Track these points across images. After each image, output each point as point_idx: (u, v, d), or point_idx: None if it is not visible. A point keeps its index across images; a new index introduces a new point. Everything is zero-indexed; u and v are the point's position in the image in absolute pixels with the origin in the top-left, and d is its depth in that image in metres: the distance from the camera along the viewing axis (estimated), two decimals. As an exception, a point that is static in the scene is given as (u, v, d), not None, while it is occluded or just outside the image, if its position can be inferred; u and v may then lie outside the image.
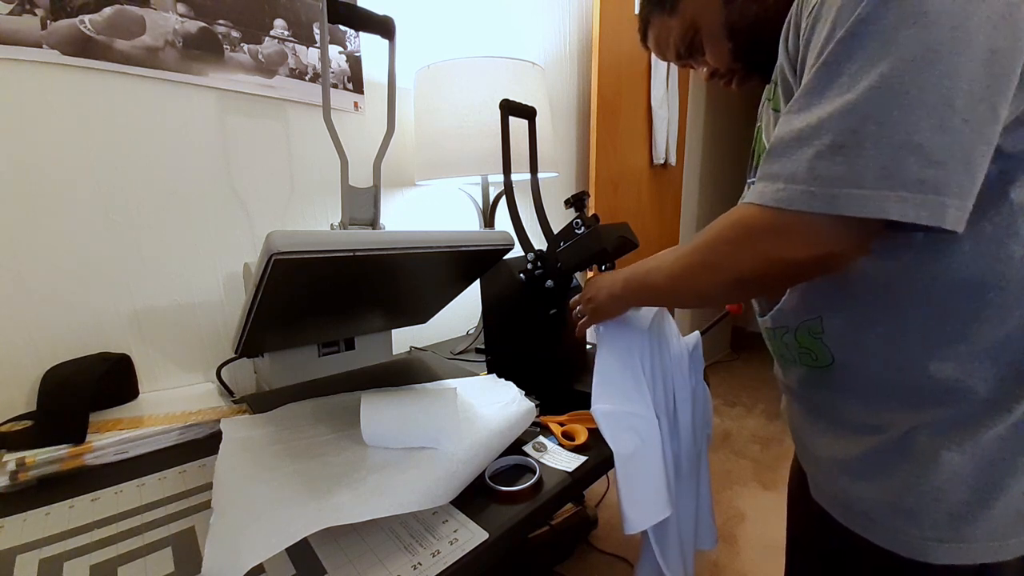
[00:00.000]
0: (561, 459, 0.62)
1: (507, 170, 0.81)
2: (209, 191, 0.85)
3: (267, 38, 0.88)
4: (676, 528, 0.67)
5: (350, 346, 0.89)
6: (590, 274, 1.57)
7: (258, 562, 0.38)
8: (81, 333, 0.75)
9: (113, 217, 0.76)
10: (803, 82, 0.38)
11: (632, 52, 1.62)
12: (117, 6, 0.72)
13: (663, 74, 1.77)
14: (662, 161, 1.86)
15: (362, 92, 1.02)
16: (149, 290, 0.80)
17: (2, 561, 0.44)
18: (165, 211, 0.80)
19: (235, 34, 0.84)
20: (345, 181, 0.70)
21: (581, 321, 0.70)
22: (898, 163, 0.33)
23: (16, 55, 0.66)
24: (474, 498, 0.53)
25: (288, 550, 0.44)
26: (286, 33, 0.90)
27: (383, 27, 0.74)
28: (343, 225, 0.71)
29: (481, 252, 0.69)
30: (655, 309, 0.69)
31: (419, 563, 0.44)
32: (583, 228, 0.69)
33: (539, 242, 0.77)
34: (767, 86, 0.53)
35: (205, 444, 0.66)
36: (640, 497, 0.60)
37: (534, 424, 0.69)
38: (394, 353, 0.97)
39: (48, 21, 0.67)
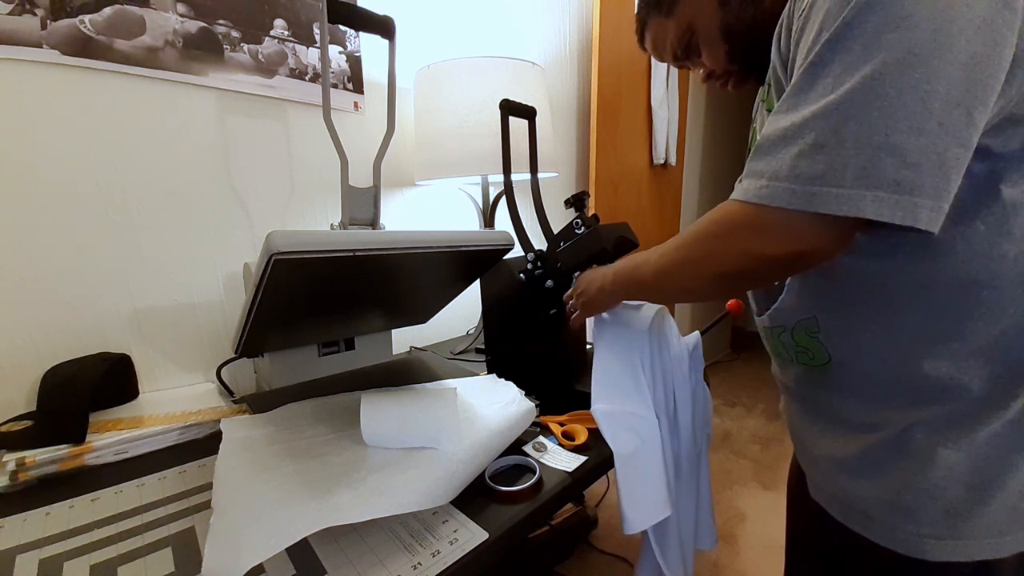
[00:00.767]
0: (561, 459, 0.62)
1: (507, 170, 0.81)
2: (209, 191, 0.85)
3: (267, 38, 0.88)
4: (676, 528, 0.67)
5: (350, 346, 0.89)
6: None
7: (258, 562, 0.38)
8: (81, 333, 0.75)
9: (113, 217, 0.76)
10: (791, 82, 0.39)
11: (632, 52, 1.61)
12: (117, 6, 0.72)
13: (663, 74, 1.77)
14: (662, 161, 1.86)
15: (362, 92, 1.02)
16: (149, 290, 0.80)
17: (2, 561, 0.44)
18: (165, 211, 0.80)
19: (235, 34, 0.84)
20: (345, 181, 0.70)
21: (574, 315, 0.71)
22: (875, 163, 0.34)
23: (16, 55, 0.66)
24: (474, 498, 0.53)
25: (288, 550, 0.44)
26: (286, 33, 0.90)
27: (383, 27, 0.74)
28: (343, 225, 0.71)
29: (481, 252, 0.69)
30: (655, 309, 0.69)
31: (419, 563, 0.44)
32: (583, 228, 0.69)
33: (539, 242, 0.77)
34: (762, 87, 0.54)
35: (205, 444, 0.66)
36: (640, 497, 0.60)
37: (534, 424, 0.69)
38: (394, 353, 0.97)
39: (48, 21, 0.67)
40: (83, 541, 0.47)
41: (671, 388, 0.70)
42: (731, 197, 0.43)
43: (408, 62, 1.06)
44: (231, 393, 0.84)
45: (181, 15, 0.78)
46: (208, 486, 0.55)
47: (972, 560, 0.42)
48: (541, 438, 0.67)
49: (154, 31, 0.76)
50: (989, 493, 0.41)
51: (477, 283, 0.87)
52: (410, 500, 0.47)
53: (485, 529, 0.48)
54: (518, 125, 0.83)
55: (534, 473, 0.57)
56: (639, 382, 0.65)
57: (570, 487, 0.58)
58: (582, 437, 0.66)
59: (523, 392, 0.71)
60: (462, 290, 0.87)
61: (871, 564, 0.48)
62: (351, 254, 0.52)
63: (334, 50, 0.97)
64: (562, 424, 0.69)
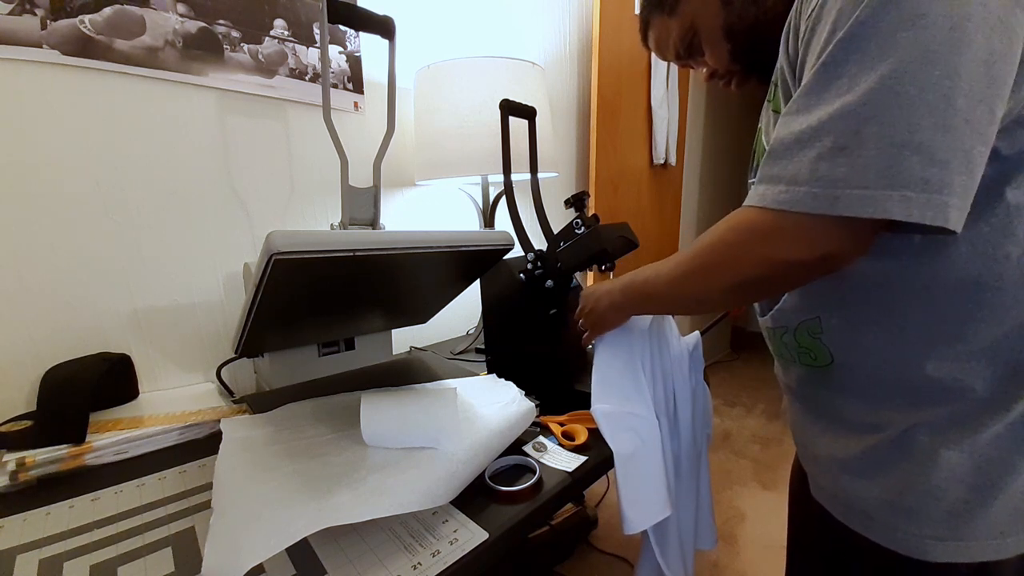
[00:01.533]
0: (561, 459, 0.62)
1: (507, 170, 0.81)
2: (209, 191, 0.85)
3: (267, 38, 0.88)
4: (676, 528, 0.67)
5: (350, 346, 0.89)
6: (590, 274, 1.57)
7: (258, 562, 0.38)
8: (81, 333, 0.75)
9: (113, 217, 0.76)
10: (803, 83, 0.38)
11: (632, 52, 1.61)
12: (117, 6, 0.72)
13: (663, 74, 1.77)
14: (662, 161, 1.86)
15: (362, 92, 1.02)
16: (149, 290, 0.80)
17: (2, 561, 0.44)
18: (165, 211, 0.80)
19: (235, 34, 0.84)
20: (345, 181, 0.70)
21: (585, 336, 0.70)
22: (900, 162, 0.33)
23: (16, 55, 0.66)
24: (474, 498, 0.53)
25: (288, 550, 0.44)
26: (286, 33, 0.90)
27: (383, 27, 0.74)
28: (343, 225, 0.71)
29: (481, 252, 0.69)
30: None
31: (419, 563, 0.44)
32: (583, 228, 0.69)
33: (539, 242, 0.77)
34: (769, 86, 0.54)
35: (205, 444, 0.66)
36: (640, 497, 0.60)
37: (534, 424, 0.69)
38: (394, 353, 0.97)
39: (48, 21, 0.67)
40: (83, 541, 0.47)
41: (671, 388, 0.70)
42: (746, 203, 0.42)
43: (408, 62, 1.06)
44: (231, 393, 0.84)
45: (181, 15, 0.78)
46: (208, 486, 0.55)
47: (974, 561, 0.42)
48: (541, 438, 0.67)
49: (154, 31, 0.76)
50: (991, 494, 0.41)
51: (477, 283, 0.87)
52: (410, 500, 0.47)
53: (485, 529, 0.48)
54: (518, 125, 0.83)
55: (534, 473, 0.57)
56: (639, 382, 0.65)
57: (570, 487, 0.58)
58: (582, 437, 0.66)
59: (523, 392, 0.71)
60: (462, 290, 0.87)
61: (872, 565, 0.48)
62: (351, 254, 0.52)
63: (334, 50, 0.97)
64: (562, 424, 0.69)
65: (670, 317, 0.73)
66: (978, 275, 0.39)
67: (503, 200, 1.00)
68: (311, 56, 0.93)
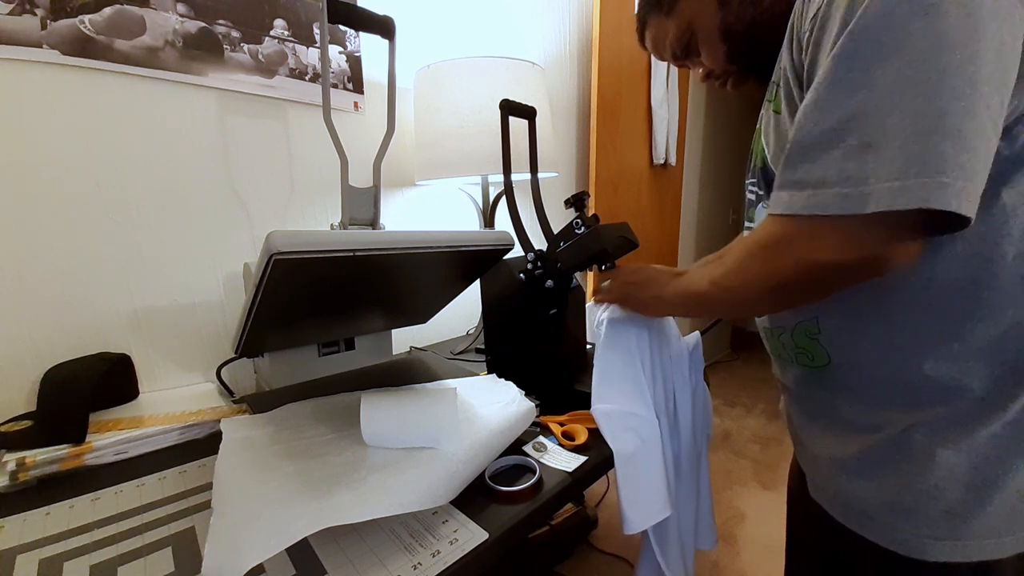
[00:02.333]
0: (561, 459, 0.62)
1: (507, 170, 0.81)
2: (209, 191, 0.85)
3: (267, 38, 0.88)
4: (676, 528, 0.67)
5: (350, 346, 0.88)
6: (590, 274, 1.57)
7: (258, 562, 0.38)
8: (81, 333, 0.75)
9: (113, 217, 0.76)
10: (816, 80, 0.37)
11: (632, 52, 1.61)
12: (117, 6, 0.72)
13: (663, 74, 1.77)
14: (662, 161, 1.86)
15: (362, 92, 1.02)
16: (149, 290, 0.80)
17: (2, 561, 0.44)
18: (165, 211, 0.80)
19: (235, 34, 0.84)
20: (345, 181, 0.70)
21: (603, 295, 0.67)
22: (932, 148, 0.32)
23: (16, 55, 0.66)
24: (474, 498, 0.53)
25: (288, 550, 0.44)
26: (286, 33, 0.90)
27: (383, 27, 0.74)
28: (343, 225, 0.71)
29: (481, 252, 0.69)
30: None
31: (419, 563, 0.44)
32: (583, 228, 0.69)
33: (539, 242, 0.77)
34: (769, 86, 0.54)
35: (205, 444, 0.66)
36: (640, 497, 0.60)
37: (534, 424, 0.69)
38: (394, 353, 0.97)
39: (48, 21, 0.67)
40: (83, 541, 0.47)
41: (671, 388, 0.70)
42: (771, 211, 0.41)
43: (408, 62, 1.06)
44: (231, 393, 0.84)
45: (181, 15, 0.78)
46: (208, 486, 0.55)
47: (971, 561, 0.42)
48: (541, 438, 0.67)
49: (154, 31, 0.76)
50: (988, 494, 0.41)
51: (477, 283, 0.87)
52: (410, 500, 0.47)
53: (485, 529, 0.48)
54: (518, 125, 0.83)
55: (534, 473, 0.57)
56: (639, 382, 0.65)
57: (570, 487, 0.58)
58: (582, 437, 0.66)
59: (523, 392, 0.71)
60: (462, 290, 0.87)
61: (871, 564, 0.48)
62: (351, 254, 0.52)
63: (334, 50, 0.97)
64: (562, 424, 0.69)
65: (670, 316, 0.73)
66: (975, 275, 0.39)
67: (503, 200, 1.00)
68: (311, 56, 0.93)
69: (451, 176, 1.00)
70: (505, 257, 0.77)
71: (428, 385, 0.75)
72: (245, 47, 0.85)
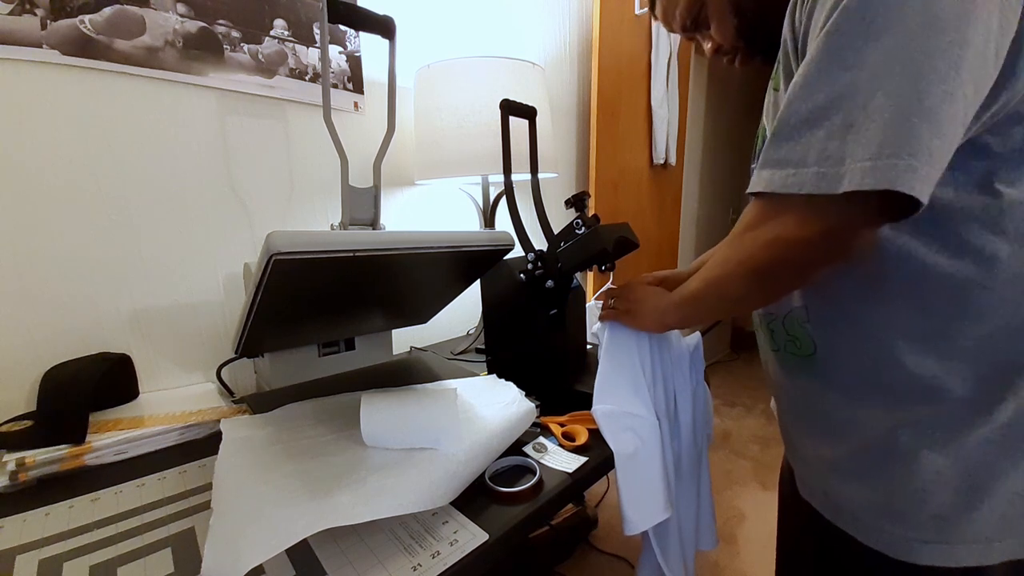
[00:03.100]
0: (561, 460, 0.62)
1: (507, 170, 0.81)
2: (209, 191, 0.85)
3: (267, 38, 0.87)
4: (677, 528, 0.67)
5: (350, 346, 0.88)
6: (591, 274, 1.57)
7: (258, 563, 0.38)
8: (81, 333, 0.75)
9: (113, 217, 0.76)
10: (808, 55, 0.37)
11: (632, 52, 1.61)
12: (117, 6, 0.72)
13: (663, 74, 1.77)
14: (662, 161, 1.86)
15: (362, 92, 1.02)
16: (149, 290, 0.80)
17: (2, 561, 0.44)
18: (165, 211, 0.80)
19: (235, 34, 0.84)
20: (345, 181, 0.70)
21: (608, 312, 0.67)
22: (909, 130, 0.32)
23: (16, 55, 0.66)
24: (474, 499, 0.53)
25: (288, 551, 0.44)
26: (286, 33, 0.90)
27: (383, 27, 0.74)
28: (343, 225, 0.71)
29: (481, 252, 0.69)
30: None
31: (419, 564, 0.44)
32: (583, 228, 0.69)
33: (539, 242, 0.77)
34: (774, 67, 0.53)
35: (205, 444, 0.66)
36: (640, 498, 0.60)
37: (534, 425, 0.69)
38: (394, 353, 0.97)
39: (48, 21, 0.67)
40: (83, 541, 0.47)
41: (672, 389, 0.70)
42: (751, 188, 0.41)
43: (408, 62, 1.06)
44: (231, 393, 0.84)
45: (181, 15, 0.78)
46: (208, 486, 0.55)
47: (960, 566, 0.42)
48: (541, 439, 0.67)
49: (154, 31, 0.76)
50: (977, 499, 0.41)
51: (477, 283, 0.87)
52: (410, 501, 0.47)
53: (485, 530, 0.48)
54: (518, 125, 0.83)
55: (534, 474, 0.57)
56: (639, 383, 0.65)
57: (570, 488, 0.58)
58: (582, 438, 0.66)
59: (523, 392, 0.71)
60: (462, 290, 0.87)
61: (861, 565, 0.48)
62: (351, 254, 0.52)
63: (334, 50, 0.97)
64: (562, 425, 0.69)
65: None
66: (968, 274, 0.38)
67: (503, 200, 1.00)
68: (311, 56, 0.93)
69: (451, 176, 1.00)
70: (505, 257, 0.77)
71: (428, 386, 0.75)
72: (245, 47, 0.85)
